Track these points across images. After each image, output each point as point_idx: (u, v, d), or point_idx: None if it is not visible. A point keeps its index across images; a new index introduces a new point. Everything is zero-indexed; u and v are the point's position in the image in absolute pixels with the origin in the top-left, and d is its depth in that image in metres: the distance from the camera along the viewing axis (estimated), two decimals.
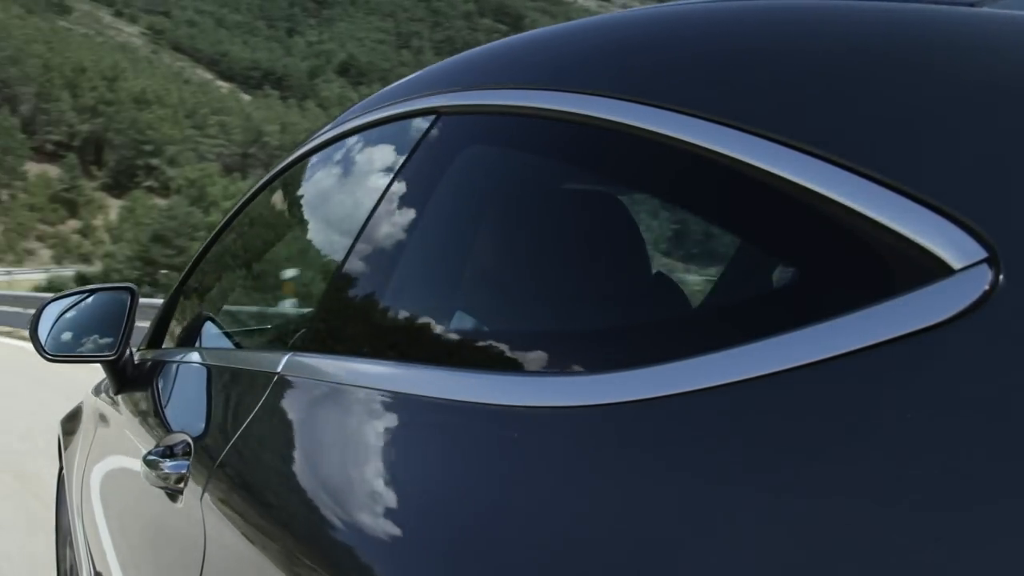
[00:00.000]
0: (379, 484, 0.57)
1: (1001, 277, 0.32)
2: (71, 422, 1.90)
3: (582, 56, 0.63)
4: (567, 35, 0.68)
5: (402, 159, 0.79)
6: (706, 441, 0.38)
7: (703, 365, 0.40)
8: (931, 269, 0.34)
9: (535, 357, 0.56)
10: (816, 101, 0.44)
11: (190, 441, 0.92)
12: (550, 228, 0.65)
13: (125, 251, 35.59)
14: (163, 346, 1.49)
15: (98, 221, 67.56)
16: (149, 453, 1.00)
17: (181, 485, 0.88)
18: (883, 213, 0.37)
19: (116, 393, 1.47)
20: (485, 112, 0.71)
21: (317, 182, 1.19)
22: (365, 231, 0.81)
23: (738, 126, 0.45)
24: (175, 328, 1.50)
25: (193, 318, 1.49)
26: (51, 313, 1.46)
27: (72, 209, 70.01)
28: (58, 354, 1.41)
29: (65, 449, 1.88)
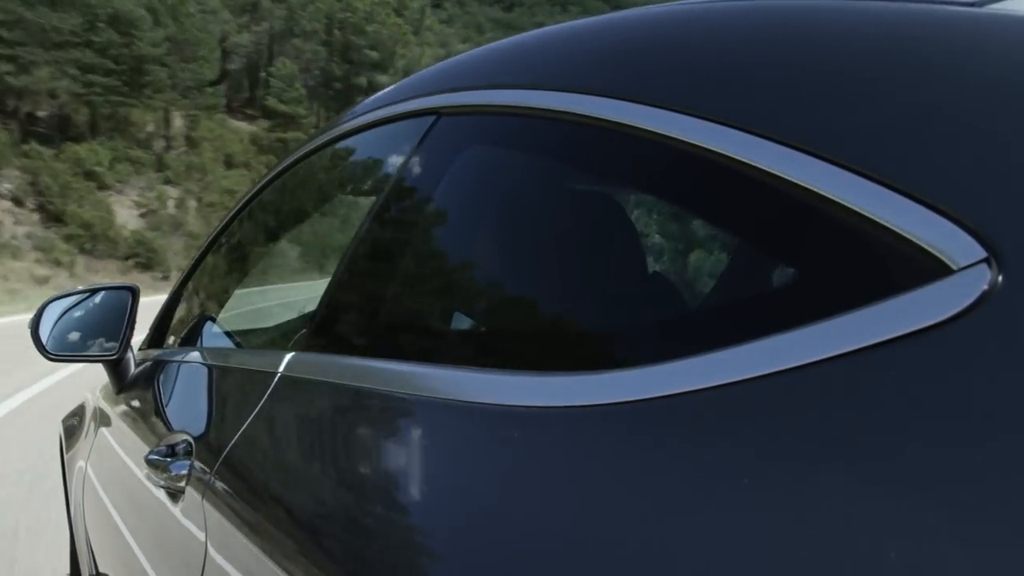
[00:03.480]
0: (380, 483, 0.57)
1: (1000, 277, 0.32)
2: (73, 422, 1.90)
3: (582, 56, 0.63)
4: (567, 35, 0.68)
5: (402, 159, 0.79)
6: (705, 441, 0.38)
7: (703, 365, 0.40)
8: (930, 269, 0.34)
9: (535, 357, 0.56)
10: (816, 101, 0.44)
11: (191, 440, 0.92)
12: (550, 228, 0.65)
13: None
14: (164, 346, 1.49)
15: None
16: (151, 453, 1.00)
17: (182, 484, 0.88)
18: (883, 213, 0.37)
19: (118, 393, 1.47)
20: (485, 112, 0.71)
21: (318, 182, 1.19)
22: (366, 231, 0.81)
23: (738, 126, 0.45)
24: (176, 328, 1.50)
25: (194, 318, 1.50)
26: (52, 312, 1.46)
27: None
28: (59, 353, 1.41)
29: (67, 449, 1.88)
